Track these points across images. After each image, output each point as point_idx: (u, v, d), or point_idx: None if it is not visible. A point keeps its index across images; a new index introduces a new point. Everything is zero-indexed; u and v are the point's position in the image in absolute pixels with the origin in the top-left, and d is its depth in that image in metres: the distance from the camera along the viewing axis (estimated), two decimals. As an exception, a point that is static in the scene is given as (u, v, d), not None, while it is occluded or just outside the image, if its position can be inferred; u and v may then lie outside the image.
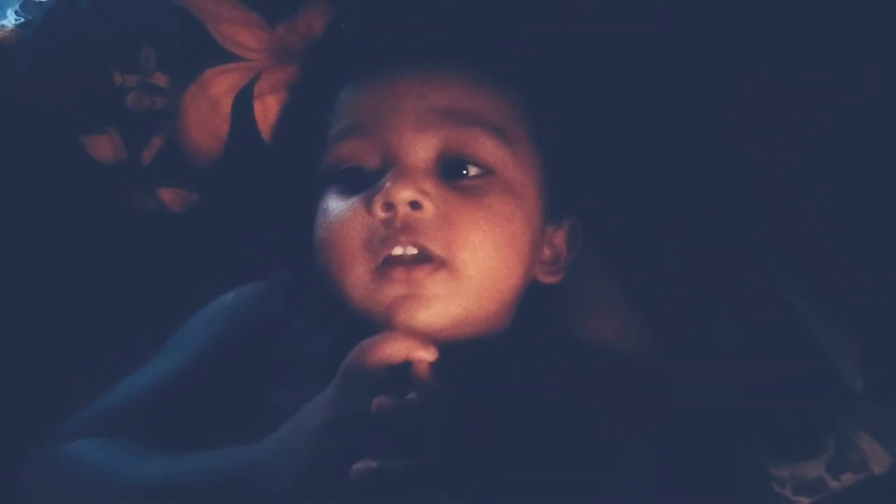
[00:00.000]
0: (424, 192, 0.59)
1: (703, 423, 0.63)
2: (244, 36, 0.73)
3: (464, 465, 0.52)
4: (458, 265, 0.59)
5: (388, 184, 0.59)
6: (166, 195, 0.75)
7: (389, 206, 0.59)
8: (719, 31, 0.67)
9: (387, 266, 0.59)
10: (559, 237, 0.68)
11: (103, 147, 0.75)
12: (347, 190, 0.63)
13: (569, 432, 0.59)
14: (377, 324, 0.59)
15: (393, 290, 0.59)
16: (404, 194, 0.59)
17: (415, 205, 0.59)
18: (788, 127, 0.65)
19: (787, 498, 0.62)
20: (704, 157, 0.68)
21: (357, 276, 0.61)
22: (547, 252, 0.67)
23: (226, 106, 0.73)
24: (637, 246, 0.70)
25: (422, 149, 0.62)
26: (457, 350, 0.59)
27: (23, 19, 0.84)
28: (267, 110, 0.74)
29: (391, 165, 0.61)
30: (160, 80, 0.74)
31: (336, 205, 0.63)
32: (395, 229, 0.59)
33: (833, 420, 0.62)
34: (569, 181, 0.68)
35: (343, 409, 0.53)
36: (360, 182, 0.62)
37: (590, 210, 0.70)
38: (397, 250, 0.59)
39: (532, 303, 0.67)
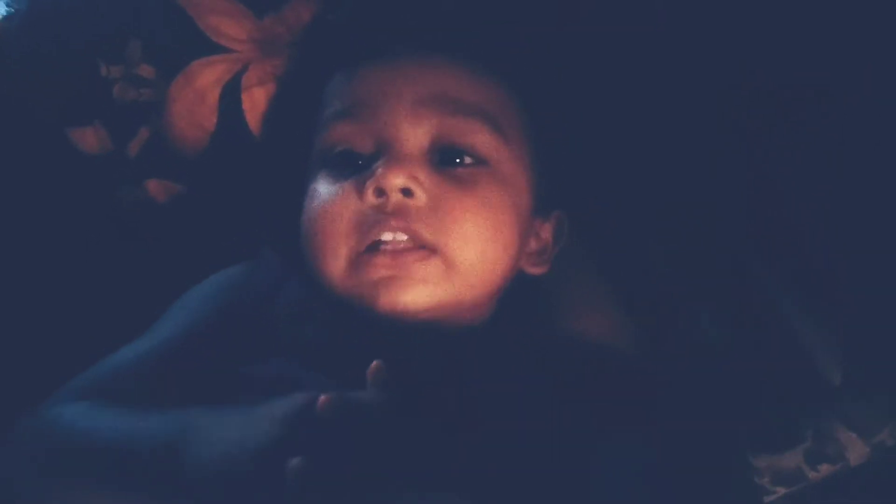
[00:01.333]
0: (416, 180, 0.60)
1: (686, 416, 0.63)
2: (231, 27, 0.73)
3: (437, 459, 0.51)
4: (447, 252, 0.60)
5: (380, 169, 0.60)
6: (153, 187, 0.76)
7: (381, 192, 0.60)
8: (709, 32, 0.68)
9: (371, 252, 0.60)
10: (546, 230, 0.69)
11: (89, 139, 0.75)
12: (338, 173, 0.63)
13: (550, 426, 0.59)
14: (359, 305, 0.60)
15: (376, 273, 0.59)
16: (396, 181, 0.59)
17: (406, 192, 0.60)
18: (772, 127, 0.66)
19: (765, 488, 0.62)
20: (690, 156, 0.68)
21: (340, 260, 0.61)
22: (533, 244, 0.68)
23: (213, 98, 0.73)
24: (624, 244, 0.70)
25: (416, 136, 0.62)
26: (436, 337, 0.59)
27: (12, 10, 0.84)
28: (254, 102, 0.73)
29: (384, 150, 0.62)
30: (146, 71, 0.73)
31: (326, 188, 0.63)
32: (386, 214, 0.60)
33: (811, 412, 0.62)
34: (558, 175, 0.68)
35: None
36: (352, 166, 0.63)
37: (579, 207, 0.70)
38: (387, 235, 0.60)
39: (519, 298, 0.67)
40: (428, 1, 0.72)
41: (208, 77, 0.73)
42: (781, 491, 0.62)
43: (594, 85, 0.71)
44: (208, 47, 0.73)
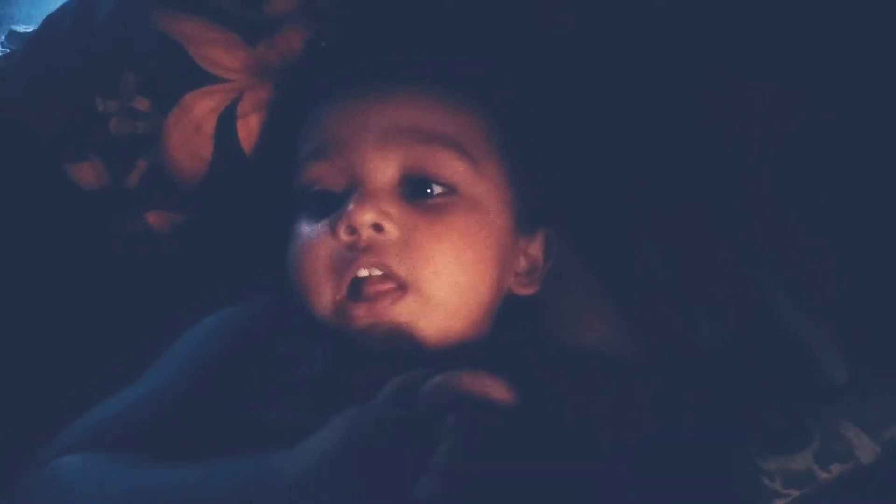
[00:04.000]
0: (386, 214, 0.60)
1: (690, 420, 0.63)
2: (224, 57, 0.74)
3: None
4: (422, 285, 0.60)
5: (350, 206, 0.60)
6: (153, 218, 0.76)
7: (353, 230, 0.60)
8: (696, 38, 0.68)
9: (352, 298, 0.60)
10: (534, 248, 0.69)
11: (88, 174, 0.76)
12: (316, 213, 0.64)
13: (556, 437, 0.59)
14: (352, 342, 0.61)
15: (360, 322, 0.60)
16: (366, 217, 0.60)
17: (377, 227, 0.60)
18: (764, 126, 0.66)
19: (777, 491, 0.62)
20: (682, 158, 0.68)
21: (324, 302, 0.62)
22: (523, 263, 0.68)
23: (209, 127, 0.74)
24: (619, 251, 0.70)
25: (384, 169, 0.62)
26: (434, 363, 0.59)
27: (8, 51, 0.85)
28: (250, 129, 0.74)
29: (355, 187, 0.62)
30: (142, 104, 0.74)
31: (304, 229, 0.64)
32: (358, 251, 0.60)
33: (818, 412, 0.62)
34: (541, 193, 0.69)
35: (388, 414, 0.51)
36: (329, 205, 0.63)
37: (570, 215, 0.70)
38: (362, 272, 0.60)
39: (515, 311, 0.67)
40: (394, 30, 0.72)
41: (203, 107, 0.73)
42: (793, 493, 0.62)
43: (571, 98, 0.71)
44: (202, 77, 0.74)
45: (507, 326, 0.67)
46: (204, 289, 0.71)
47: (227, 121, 0.74)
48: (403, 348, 0.60)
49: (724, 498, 0.62)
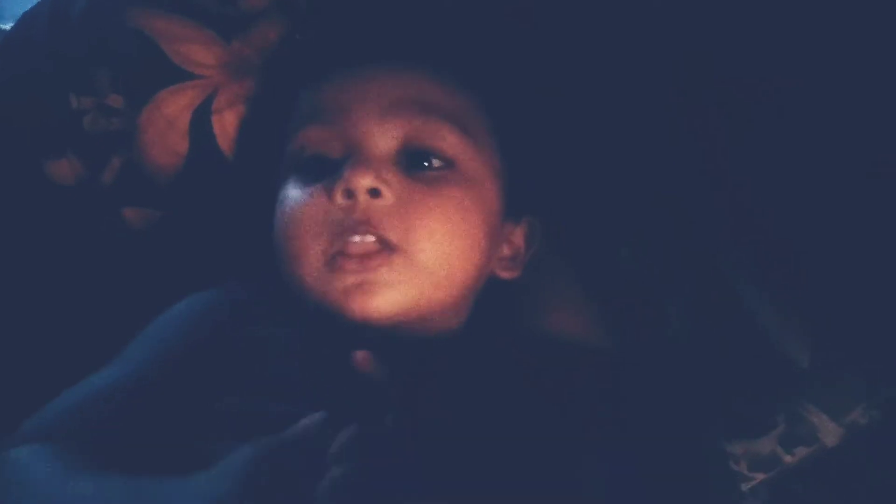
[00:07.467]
0: (384, 180, 0.60)
1: (659, 408, 0.64)
2: (200, 53, 0.74)
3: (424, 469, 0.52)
4: (413, 252, 0.60)
5: (348, 171, 0.60)
6: (130, 214, 0.76)
7: (350, 194, 0.60)
8: (673, 30, 0.69)
9: (340, 257, 0.60)
10: (518, 235, 0.69)
11: (64, 171, 0.76)
12: (308, 178, 0.63)
13: (530, 428, 0.60)
14: (332, 313, 0.60)
15: (345, 279, 0.60)
16: (364, 181, 0.60)
17: (374, 192, 0.60)
18: (734, 120, 0.67)
19: (742, 475, 0.63)
20: (653, 152, 0.69)
21: (310, 264, 0.61)
22: (506, 250, 0.68)
23: (183, 123, 0.74)
24: (592, 241, 0.71)
25: (385, 138, 0.63)
26: (411, 347, 0.60)
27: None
28: (225, 125, 0.74)
29: (353, 153, 0.62)
30: (116, 101, 0.74)
31: (296, 192, 0.63)
32: (354, 219, 0.60)
33: (782, 396, 0.63)
34: (528, 181, 0.69)
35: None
36: (322, 170, 0.63)
37: (550, 207, 0.71)
38: (355, 238, 0.60)
39: (493, 300, 0.68)
40: (394, 12, 0.73)
41: (177, 104, 0.74)
42: (759, 476, 0.63)
43: (560, 91, 0.71)
44: (177, 74, 0.74)
45: (484, 313, 0.67)
46: (182, 283, 0.71)
47: (202, 117, 0.74)
48: (383, 321, 0.60)
49: (695, 484, 0.63)
